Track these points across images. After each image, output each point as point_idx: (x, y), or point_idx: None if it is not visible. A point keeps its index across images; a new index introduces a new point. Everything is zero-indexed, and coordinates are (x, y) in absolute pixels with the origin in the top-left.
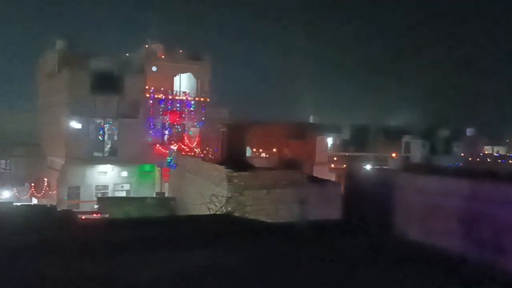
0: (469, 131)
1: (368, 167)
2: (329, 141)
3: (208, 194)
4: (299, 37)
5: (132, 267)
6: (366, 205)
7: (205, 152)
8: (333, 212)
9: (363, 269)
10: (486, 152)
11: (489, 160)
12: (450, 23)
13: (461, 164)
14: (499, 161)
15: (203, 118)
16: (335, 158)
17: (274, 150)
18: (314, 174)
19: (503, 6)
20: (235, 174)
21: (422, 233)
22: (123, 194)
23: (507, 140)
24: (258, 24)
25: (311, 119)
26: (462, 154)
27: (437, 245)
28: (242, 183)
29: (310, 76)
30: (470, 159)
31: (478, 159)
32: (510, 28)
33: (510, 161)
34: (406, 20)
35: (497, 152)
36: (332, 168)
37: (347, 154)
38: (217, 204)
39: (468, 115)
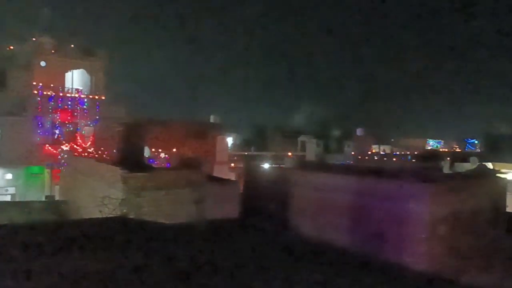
0: (359, 131)
1: (266, 165)
2: (230, 140)
3: (102, 196)
4: (202, 36)
5: (12, 276)
6: (264, 203)
7: (99, 152)
8: (232, 210)
9: (259, 265)
10: (373, 151)
11: (376, 158)
12: (344, 27)
13: (351, 162)
14: (385, 159)
15: (97, 117)
16: (235, 157)
17: (174, 150)
18: (215, 174)
19: (390, 10)
20: (131, 175)
21: (316, 228)
22: (8, 198)
23: (392, 140)
24: (159, 22)
25: (212, 119)
26: (353, 153)
27: (329, 239)
28: (138, 184)
29: (212, 76)
30: (359, 157)
31: (366, 157)
32: (400, 38)
33: (394, 159)
34: (306, 25)
35: (383, 151)
36: (232, 167)
37: (246, 153)
38: (110, 206)
39: (358, 116)
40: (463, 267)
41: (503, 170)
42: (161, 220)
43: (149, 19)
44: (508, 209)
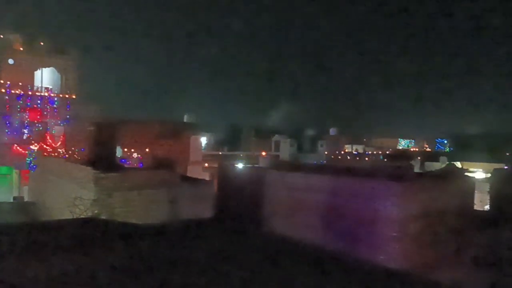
0: (332, 131)
1: (240, 165)
2: (204, 140)
3: (73, 197)
4: (177, 35)
5: None
6: (238, 202)
7: (70, 152)
8: (206, 210)
9: (234, 264)
10: (346, 151)
11: (349, 157)
12: (320, 28)
13: (325, 161)
14: (357, 158)
15: (68, 116)
16: (209, 157)
17: (147, 150)
18: (188, 174)
19: (364, 10)
20: (103, 175)
21: (290, 227)
22: None
23: (364, 139)
24: (133, 22)
25: (186, 118)
26: (326, 152)
27: (303, 238)
28: (110, 185)
29: (186, 76)
30: (332, 157)
31: (339, 157)
32: (372, 39)
33: (366, 158)
34: (281, 24)
35: (356, 150)
36: (206, 167)
37: (220, 153)
38: (81, 207)
39: (332, 116)
40: (433, 263)
41: (471, 169)
42: (134, 220)
43: (123, 19)
44: (475, 207)
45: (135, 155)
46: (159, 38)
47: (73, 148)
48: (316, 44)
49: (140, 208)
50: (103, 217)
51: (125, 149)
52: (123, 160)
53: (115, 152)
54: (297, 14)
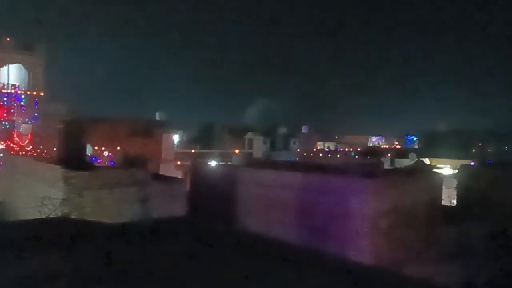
0: (304, 129)
1: (213, 163)
2: (176, 138)
3: (42, 197)
4: (149, 32)
5: None
6: (210, 200)
7: (39, 151)
8: (178, 208)
9: (204, 262)
10: (318, 148)
11: (321, 155)
12: (290, 25)
13: (297, 158)
14: (329, 155)
15: (36, 114)
16: (182, 155)
17: (118, 148)
18: (161, 172)
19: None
20: (73, 174)
21: (262, 224)
22: None
23: (336, 137)
24: (103, 19)
25: (157, 116)
26: (298, 150)
27: (275, 235)
28: (80, 184)
29: (158, 73)
30: (305, 154)
31: (312, 154)
32: (343, 35)
33: (338, 155)
34: (253, 23)
35: (328, 148)
36: (179, 165)
37: (193, 151)
38: (50, 207)
39: (304, 114)
40: (403, 258)
41: (439, 165)
42: (105, 219)
43: (94, 16)
44: (443, 202)
45: (106, 153)
46: (130, 35)
47: (41, 147)
48: (288, 43)
49: (111, 207)
50: (73, 216)
51: (96, 148)
52: (93, 159)
53: (85, 151)
54: (268, 13)
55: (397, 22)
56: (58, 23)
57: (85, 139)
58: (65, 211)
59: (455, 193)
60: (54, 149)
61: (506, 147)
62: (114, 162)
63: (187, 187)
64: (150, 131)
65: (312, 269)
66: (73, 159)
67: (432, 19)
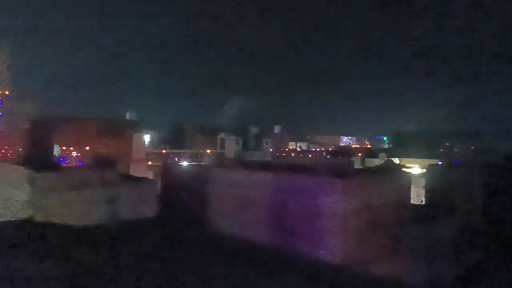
0: (277, 129)
1: (184, 163)
2: (147, 138)
3: (4, 199)
4: (120, 31)
5: None
6: (182, 201)
7: (3, 151)
8: (149, 209)
9: (172, 264)
10: (290, 148)
11: (293, 154)
12: (263, 25)
13: (269, 158)
14: (301, 155)
15: (0, 113)
16: (153, 156)
17: (87, 148)
18: (131, 172)
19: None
20: (38, 174)
21: (234, 225)
22: None
23: (308, 137)
24: (73, 17)
25: (128, 116)
26: (271, 150)
27: (247, 235)
28: (46, 185)
29: (130, 73)
30: (277, 154)
31: (284, 154)
32: (315, 38)
33: (310, 155)
34: (227, 22)
35: (300, 148)
36: (150, 165)
37: (165, 151)
38: (12, 209)
39: (277, 114)
40: (373, 257)
41: (408, 165)
42: (72, 222)
43: (64, 13)
44: (412, 201)
45: (74, 153)
46: (100, 34)
47: (6, 147)
48: (262, 44)
49: (79, 209)
50: (38, 219)
51: (64, 148)
52: (61, 159)
53: (52, 151)
54: (240, 14)
55: (367, 21)
56: (25, 20)
57: (53, 139)
58: (30, 213)
59: (423, 192)
60: (20, 149)
61: (472, 147)
62: (82, 163)
63: (158, 187)
64: (121, 131)
65: (281, 270)
66: (39, 160)
67: (401, 20)
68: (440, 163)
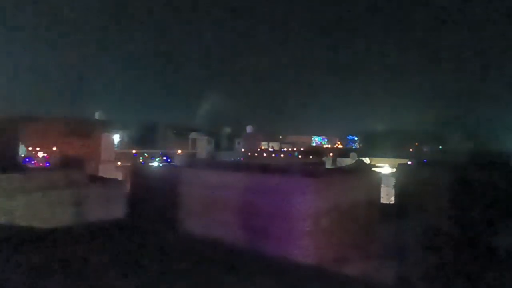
0: (249, 129)
1: (155, 163)
2: (116, 138)
3: None
4: (91, 30)
5: None
6: (151, 202)
7: None
8: (117, 211)
9: (140, 268)
10: (263, 148)
11: (265, 154)
12: (235, 23)
13: (242, 158)
14: (273, 155)
15: None
16: (122, 156)
17: (54, 148)
18: (100, 173)
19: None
20: (2, 176)
21: (204, 226)
22: None
23: (280, 137)
24: (42, 13)
25: (97, 116)
26: (243, 150)
27: (217, 237)
28: (10, 186)
29: (99, 72)
30: (249, 154)
31: (256, 154)
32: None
33: (282, 155)
34: (199, 21)
35: (272, 148)
36: (119, 166)
37: (134, 151)
38: None
39: (249, 113)
40: (343, 257)
41: (378, 165)
42: (38, 224)
43: (32, 10)
44: (382, 200)
45: (41, 154)
46: (67, 30)
47: None
48: (234, 42)
49: (45, 211)
50: (1, 221)
51: (30, 148)
52: (27, 160)
53: (18, 151)
54: (210, 13)
55: (341, 21)
56: None
57: (17, 138)
58: None
59: (393, 191)
60: None
61: (440, 146)
62: (50, 163)
63: (127, 188)
64: (89, 130)
65: (252, 271)
66: (3, 160)
67: (373, 21)
68: (409, 162)
